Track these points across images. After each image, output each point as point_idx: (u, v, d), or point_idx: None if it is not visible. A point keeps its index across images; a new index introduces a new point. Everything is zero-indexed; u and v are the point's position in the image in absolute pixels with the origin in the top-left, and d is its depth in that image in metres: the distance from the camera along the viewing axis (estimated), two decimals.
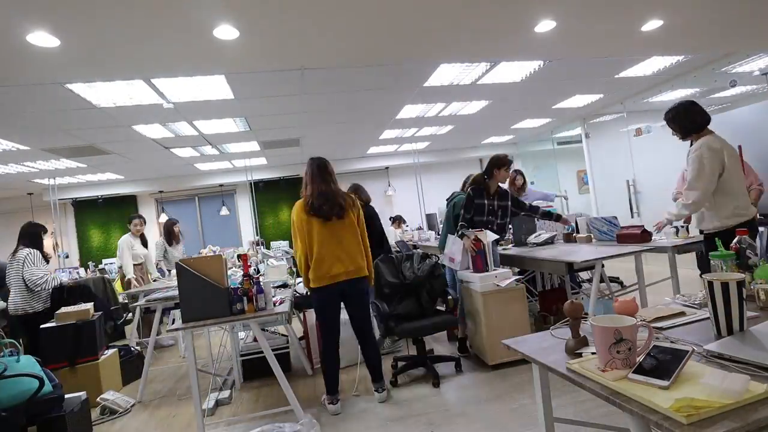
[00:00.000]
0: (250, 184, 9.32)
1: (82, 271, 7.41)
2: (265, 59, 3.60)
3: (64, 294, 4.27)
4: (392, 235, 7.75)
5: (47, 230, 4.40)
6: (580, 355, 1.34)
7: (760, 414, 0.91)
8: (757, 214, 3.01)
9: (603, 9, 3.40)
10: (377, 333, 3.61)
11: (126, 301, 5.01)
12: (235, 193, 10.05)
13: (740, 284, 1.28)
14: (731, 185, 2.75)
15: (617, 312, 1.45)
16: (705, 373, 1.07)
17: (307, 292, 3.83)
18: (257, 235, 9.23)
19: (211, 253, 5.17)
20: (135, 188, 9.08)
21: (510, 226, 4.43)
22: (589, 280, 5.03)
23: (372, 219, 4.21)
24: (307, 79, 4.20)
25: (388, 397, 3.15)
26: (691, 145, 2.88)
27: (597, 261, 3.26)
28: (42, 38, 2.80)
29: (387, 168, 10.12)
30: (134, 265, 5.48)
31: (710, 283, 1.32)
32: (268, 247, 7.81)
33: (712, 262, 1.62)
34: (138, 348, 4.56)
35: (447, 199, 4.56)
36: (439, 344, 4.25)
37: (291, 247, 9.04)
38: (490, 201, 3.85)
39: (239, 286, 2.76)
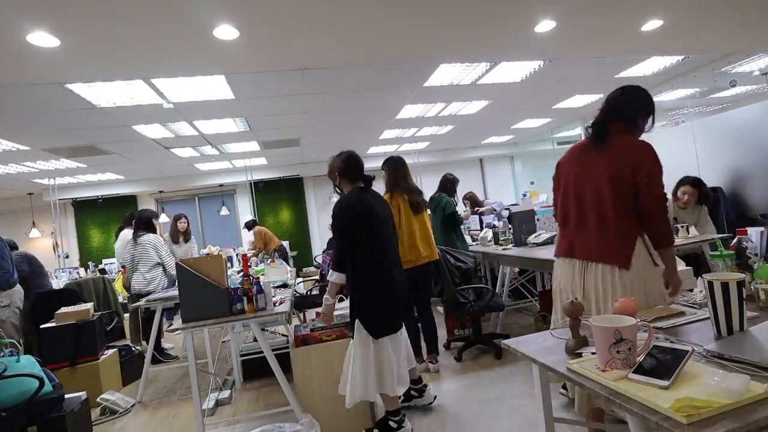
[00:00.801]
0: (250, 184, 9.32)
1: (82, 271, 7.41)
2: (265, 59, 3.60)
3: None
4: None
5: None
6: (580, 355, 1.34)
7: (760, 414, 0.91)
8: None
9: (603, 9, 3.40)
10: None
11: (125, 301, 4.97)
12: (235, 193, 10.06)
13: (740, 284, 1.28)
14: None
15: (617, 312, 1.45)
16: (705, 373, 1.07)
17: (307, 292, 3.83)
18: None
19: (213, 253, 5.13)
20: (135, 188, 9.08)
21: (510, 226, 4.45)
22: None
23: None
24: (307, 79, 4.20)
25: None
26: None
27: None
28: (42, 38, 2.80)
29: None
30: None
31: (710, 283, 1.32)
32: None
33: (711, 261, 1.62)
34: (138, 348, 4.56)
35: (428, 205, 4.58)
36: None
37: (291, 248, 9.04)
38: None
39: (239, 286, 2.76)
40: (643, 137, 1.87)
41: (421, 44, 3.65)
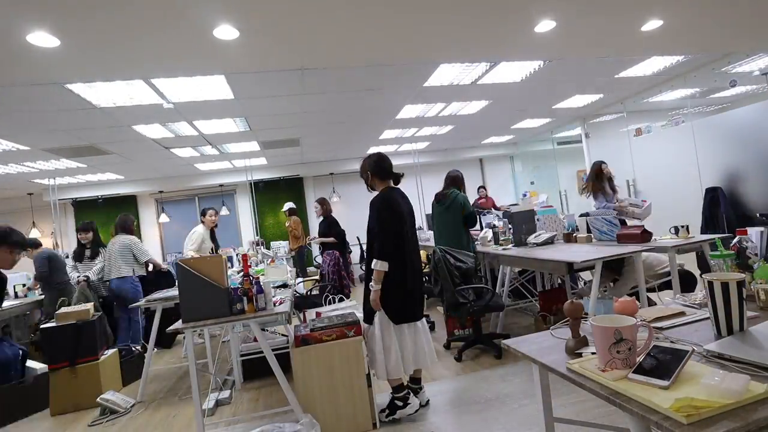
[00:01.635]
0: (250, 184, 9.32)
1: None
2: (265, 59, 3.60)
3: None
4: None
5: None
6: (580, 355, 1.34)
7: (760, 414, 0.91)
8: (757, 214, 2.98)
9: (603, 9, 3.40)
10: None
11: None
12: (235, 193, 10.05)
13: (740, 284, 1.28)
14: None
15: (617, 312, 1.45)
16: (705, 373, 1.07)
17: (307, 292, 3.83)
18: (257, 235, 9.22)
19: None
20: (135, 188, 9.08)
21: (510, 226, 4.45)
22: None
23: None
24: (307, 79, 4.20)
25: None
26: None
27: (597, 261, 3.26)
28: (42, 38, 2.80)
29: None
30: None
31: (710, 283, 1.32)
32: (268, 247, 7.80)
33: (712, 262, 1.62)
34: (138, 348, 4.56)
35: (439, 200, 4.55)
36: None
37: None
38: None
39: (239, 286, 2.76)
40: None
41: (421, 44, 3.65)
